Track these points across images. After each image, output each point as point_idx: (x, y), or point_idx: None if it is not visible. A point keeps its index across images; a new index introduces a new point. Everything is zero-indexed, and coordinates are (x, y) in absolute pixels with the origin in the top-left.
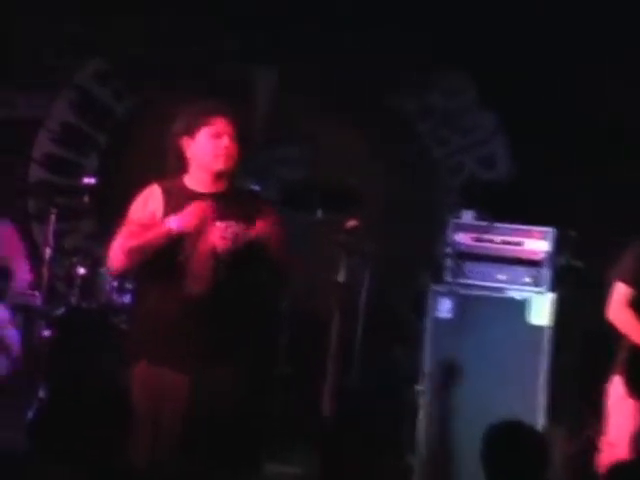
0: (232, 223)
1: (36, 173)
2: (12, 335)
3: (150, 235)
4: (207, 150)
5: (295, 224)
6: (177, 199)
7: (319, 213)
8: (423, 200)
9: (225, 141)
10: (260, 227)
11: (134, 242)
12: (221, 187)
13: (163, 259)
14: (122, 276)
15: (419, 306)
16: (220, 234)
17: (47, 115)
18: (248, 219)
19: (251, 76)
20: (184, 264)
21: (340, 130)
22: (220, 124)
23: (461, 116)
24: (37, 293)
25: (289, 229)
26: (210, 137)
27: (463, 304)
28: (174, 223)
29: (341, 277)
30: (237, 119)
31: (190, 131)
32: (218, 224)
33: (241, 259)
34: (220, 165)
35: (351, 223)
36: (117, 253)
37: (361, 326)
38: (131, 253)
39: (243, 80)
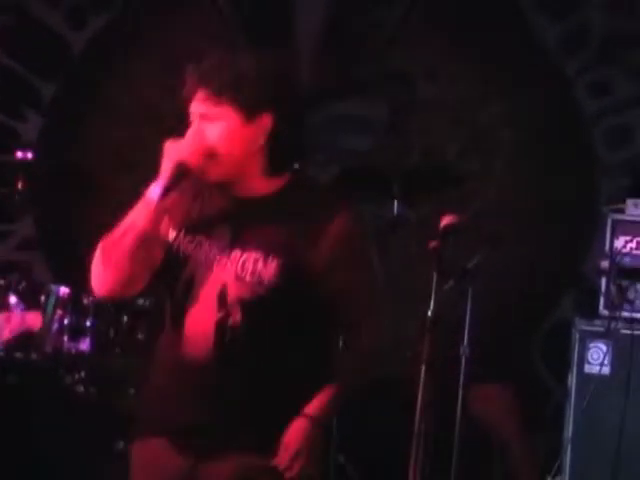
0: (258, 254)
1: None
2: None
3: (130, 215)
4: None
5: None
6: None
7: (396, 206)
8: (564, 185)
9: (210, 130)
10: (321, 257)
11: (112, 235)
12: (245, 185)
13: (173, 298)
14: (114, 302)
15: (557, 355)
16: (234, 272)
17: None
18: (294, 242)
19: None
20: (185, 313)
21: (446, 71)
22: (201, 99)
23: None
24: None
25: None
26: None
27: (628, 352)
28: (153, 188)
29: (431, 310)
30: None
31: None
32: (233, 254)
33: (272, 313)
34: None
35: (447, 221)
36: (96, 262)
37: (462, 387)
38: (110, 253)
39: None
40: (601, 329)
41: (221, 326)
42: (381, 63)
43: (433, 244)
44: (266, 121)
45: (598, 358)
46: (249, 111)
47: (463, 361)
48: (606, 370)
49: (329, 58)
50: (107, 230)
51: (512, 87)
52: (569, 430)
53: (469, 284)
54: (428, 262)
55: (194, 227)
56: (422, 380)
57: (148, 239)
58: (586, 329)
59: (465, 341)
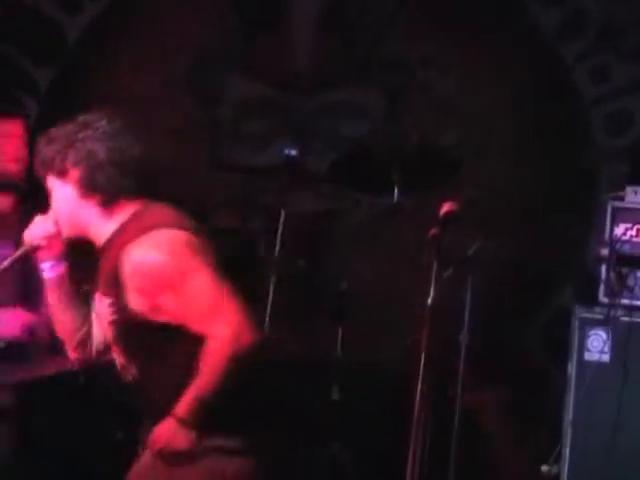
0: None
1: None
2: None
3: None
4: None
5: (356, 211)
6: None
7: (396, 194)
8: (564, 171)
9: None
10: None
11: None
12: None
13: None
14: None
15: (557, 343)
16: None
17: None
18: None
19: None
20: None
21: (443, 57)
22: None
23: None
24: None
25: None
26: None
27: (627, 339)
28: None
29: (431, 298)
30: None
31: None
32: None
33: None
34: None
35: (447, 209)
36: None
37: (462, 376)
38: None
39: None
40: (601, 317)
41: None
42: (378, 49)
43: (433, 231)
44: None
45: (598, 345)
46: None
47: (463, 348)
48: (606, 357)
49: (326, 44)
50: None
51: (510, 73)
52: (569, 417)
53: (469, 272)
54: (427, 250)
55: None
56: (421, 368)
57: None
58: (586, 317)
59: (465, 328)
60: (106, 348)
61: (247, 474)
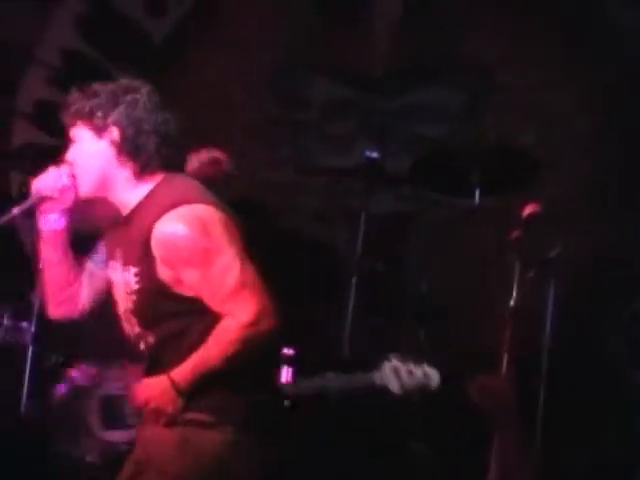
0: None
1: (23, 133)
2: None
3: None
4: None
5: (435, 214)
6: None
7: (477, 196)
8: None
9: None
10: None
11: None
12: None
13: None
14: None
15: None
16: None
17: (39, 40)
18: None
19: None
20: None
21: (521, 59)
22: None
23: None
24: None
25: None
26: None
27: None
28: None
29: (514, 299)
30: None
31: None
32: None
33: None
34: None
35: (529, 210)
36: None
37: (545, 377)
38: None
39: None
40: None
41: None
42: (456, 50)
43: (515, 233)
44: (115, 134)
45: None
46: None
47: (545, 353)
48: None
49: (407, 45)
50: None
51: (588, 72)
52: None
53: (552, 274)
54: (509, 251)
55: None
56: (504, 370)
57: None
58: None
59: (547, 332)
60: (92, 310)
61: (223, 448)
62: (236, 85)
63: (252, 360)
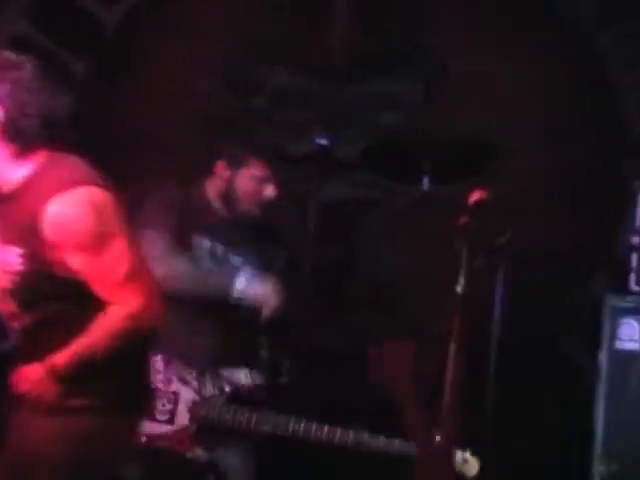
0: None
1: None
2: None
3: None
4: None
5: (386, 200)
6: None
7: (425, 182)
8: (596, 160)
9: None
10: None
11: None
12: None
13: None
14: None
15: (588, 332)
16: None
17: None
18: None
19: None
20: None
21: (481, 51)
22: None
23: None
24: None
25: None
26: None
27: None
28: None
29: (461, 286)
30: None
31: None
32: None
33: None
34: None
35: (477, 197)
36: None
37: (493, 365)
38: None
39: None
40: (632, 305)
41: None
42: (412, 39)
43: (463, 220)
44: None
45: (629, 334)
46: None
47: (493, 340)
48: (637, 346)
49: (361, 33)
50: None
51: (543, 62)
52: (600, 406)
53: (500, 261)
54: (455, 238)
55: None
56: (451, 358)
57: None
58: (617, 305)
59: (495, 319)
60: None
61: (101, 433)
62: (192, 74)
63: (131, 348)
